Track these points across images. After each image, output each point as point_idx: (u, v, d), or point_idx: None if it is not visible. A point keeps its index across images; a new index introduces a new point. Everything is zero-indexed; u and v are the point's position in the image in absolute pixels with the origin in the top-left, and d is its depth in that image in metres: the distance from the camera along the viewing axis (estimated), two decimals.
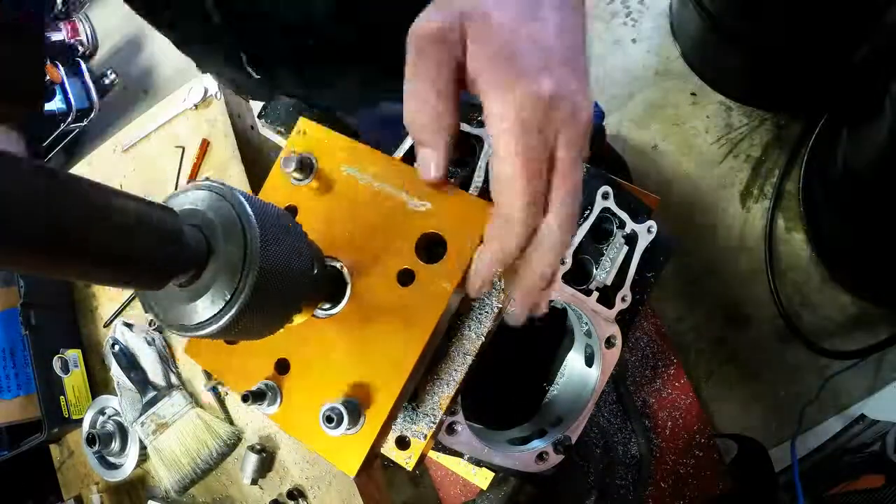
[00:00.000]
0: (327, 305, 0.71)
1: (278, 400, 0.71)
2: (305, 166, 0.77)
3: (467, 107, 1.08)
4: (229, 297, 0.49)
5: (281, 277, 0.52)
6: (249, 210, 0.50)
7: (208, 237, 0.50)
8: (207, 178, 0.88)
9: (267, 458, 1.43)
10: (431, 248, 0.70)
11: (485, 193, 0.80)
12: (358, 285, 0.70)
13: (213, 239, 0.50)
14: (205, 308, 0.49)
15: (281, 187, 0.77)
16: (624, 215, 1.04)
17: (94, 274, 0.42)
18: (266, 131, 1.65)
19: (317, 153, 0.76)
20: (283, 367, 0.71)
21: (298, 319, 0.67)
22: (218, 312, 0.49)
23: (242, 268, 0.49)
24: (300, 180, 0.76)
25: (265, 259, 0.50)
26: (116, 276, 0.44)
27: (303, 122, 0.79)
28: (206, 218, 0.50)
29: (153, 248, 0.45)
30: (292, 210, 0.76)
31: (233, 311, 0.48)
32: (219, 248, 0.49)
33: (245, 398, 0.69)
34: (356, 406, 0.66)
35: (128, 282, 0.45)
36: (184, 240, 0.47)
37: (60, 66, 2.91)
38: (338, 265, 0.71)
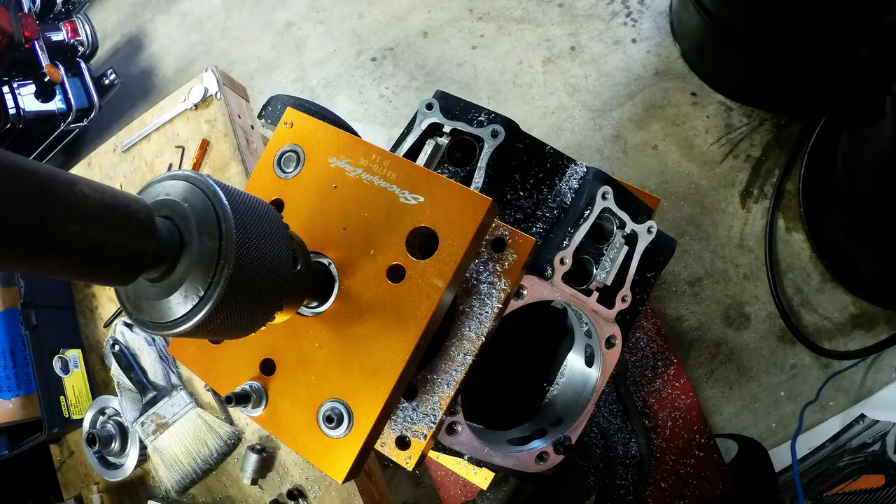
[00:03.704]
0: (314, 303, 0.69)
1: (264, 402, 0.69)
2: (292, 159, 0.75)
3: (467, 108, 1.08)
4: (203, 292, 0.46)
5: (259, 272, 0.50)
6: (225, 201, 0.47)
7: (181, 229, 0.47)
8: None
9: (267, 458, 1.43)
10: (423, 242, 0.69)
11: (485, 194, 0.80)
12: (346, 282, 0.68)
13: (187, 231, 0.47)
14: (178, 304, 0.46)
15: (267, 180, 0.75)
16: (624, 215, 1.04)
17: (49, 266, 0.39)
18: (266, 131, 1.65)
19: (304, 145, 0.75)
20: (268, 367, 0.70)
21: (281, 318, 0.65)
22: (192, 309, 0.46)
23: (217, 261, 0.46)
24: (287, 173, 0.75)
25: (241, 253, 0.47)
26: (77, 269, 0.40)
27: (290, 113, 0.77)
28: (181, 209, 0.48)
29: (120, 239, 0.42)
30: (278, 204, 0.74)
31: (207, 306, 0.46)
32: (192, 241, 0.47)
33: (228, 400, 0.67)
34: (345, 409, 0.65)
35: (91, 275, 0.42)
36: (154, 231, 0.45)
37: (60, 66, 2.90)
38: (325, 261, 0.70)
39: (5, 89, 2.84)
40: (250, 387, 0.69)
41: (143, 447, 1.53)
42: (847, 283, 1.96)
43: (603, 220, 1.05)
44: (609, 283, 1.02)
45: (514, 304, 0.89)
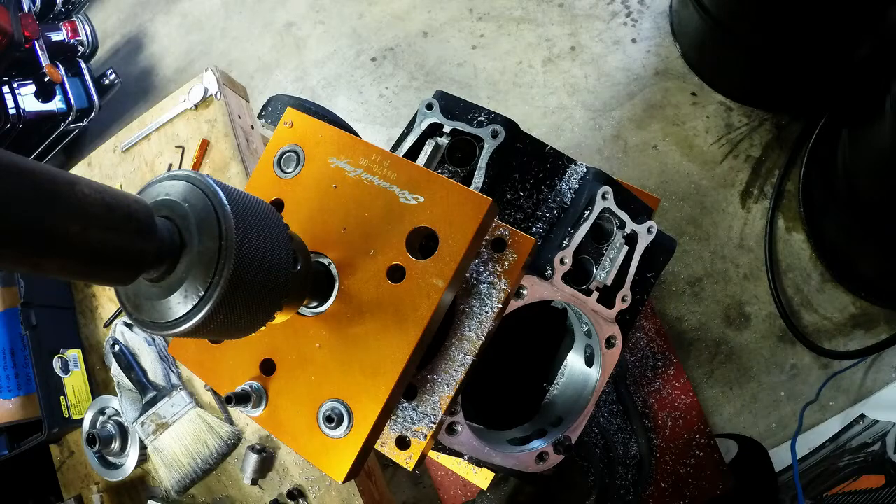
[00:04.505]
0: (314, 303, 0.69)
1: (264, 402, 0.69)
2: (292, 159, 0.75)
3: (467, 108, 1.08)
4: (203, 292, 0.46)
5: (259, 272, 0.49)
6: (225, 201, 0.47)
7: (181, 229, 0.47)
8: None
9: (267, 458, 1.43)
10: (423, 242, 0.69)
11: (485, 194, 0.80)
12: (346, 282, 0.68)
13: (187, 231, 0.47)
14: (178, 304, 0.46)
15: (267, 180, 0.75)
16: (624, 215, 1.04)
17: (50, 266, 0.39)
18: (266, 131, 1.65)
19: (304, 145, 0.75)
20: (268, 367, 0.70)
21: (281, 318, 0.65)
22: (192, 309, 0.46)
23: (217, 262, 0.46)
24: (287, 173, 0.75)
25: (241, 253, 0.47)
26: (77, 269, 0.40)
27: (290, 113, 0.77)
28: (180, 209, 0.48)
29: (120, 239, 0.42)
30: (278, 204, 0.74)
31: (207, 307, 0.46)
32: (192, 241, 0.47)
33: (228, 400, 0.67)
34: (345, 409, 0.65)
35: (91, 275, 0.42)
36: (154, 232, 0.44)
37: (60, 66, 2.90)
38: (325, 261, 0.70)
39: (5, 89, 2.84)
40: (250, 387, 0.69)
41: (143, 447, 1.53)
42: (847, 283, 1.96)
43: (603, 220, 1.05)
44: (609, 283, 1.02)
45: (514, 304, 0.89)
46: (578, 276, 1.01)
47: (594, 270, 1.01)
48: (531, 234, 1.04)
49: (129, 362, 1.54)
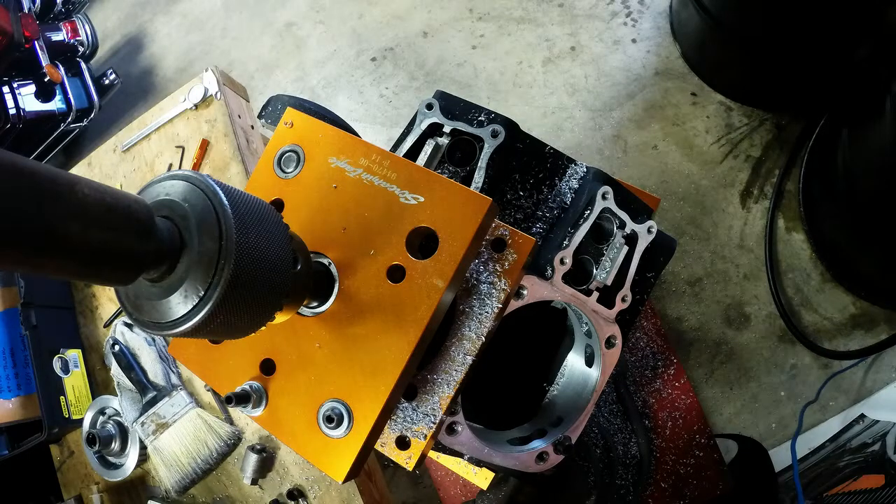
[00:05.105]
0: (314, 303, 0.69)
1: (264, 402, 0.69)
2: (292, 159, 0.75)
3: (467, 108, 1.08)
4: (203, 292, 0.46)
5: (259, 272, 0.50)
6: (225, 201, 0.47)
7: (181, 229, 0.47)
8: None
9: (267, 458, 1.43)
10: (423, 242, 0.69)
11: (485, 194, 0.80)
12: (346, 282, 0.68)
13: (187, 231, 0.47)
14: (178, 304, 0.46)
15: (267, 180, 0.76)
16: (624, 215, 1.04)
17: (49, 266, 0.39)
18: (266, 131, 1.65)
19: (304, 145, 0.75)
20: (268, 367, 0.70)
21: (281, 318, 0.65)
22: (192, 309, 0.46)
23: (217, 262, 0.46)
24: (287, 173, 0.75)
25: (241, 253, 0.47)
26: (77, 269, 0.40)
27: (290, 113, 0.77)
28: (181, 209, 0.48)
29: (120, 239, 0.42)
30: (278, 204, 0.74)
31: (207, 307, 0.46)
32: (192, 241, 0.47)
33: (228, 400, 0.67)
34: (345, 409, 0.65)
35: (91, 275, 0.42)
36: (154, 232, 0.45)
37: (60, 66, 2.90)
38: (325, 261, 0.70)
39: (5, 89, 2.84)
40: (250, 387, 0.69)
41: (143, 447, 1.53)
42: (847, 283, 1.96)
43: (603, 220, 1.05)
44: (609, 283, 1.02)
45: (514, 304, 0.89)
46: (578, 276, 1.01)
47: (594, 270, 1.01)
48: (531, 234, 1.04)
49: (129, 362, 1.54)
